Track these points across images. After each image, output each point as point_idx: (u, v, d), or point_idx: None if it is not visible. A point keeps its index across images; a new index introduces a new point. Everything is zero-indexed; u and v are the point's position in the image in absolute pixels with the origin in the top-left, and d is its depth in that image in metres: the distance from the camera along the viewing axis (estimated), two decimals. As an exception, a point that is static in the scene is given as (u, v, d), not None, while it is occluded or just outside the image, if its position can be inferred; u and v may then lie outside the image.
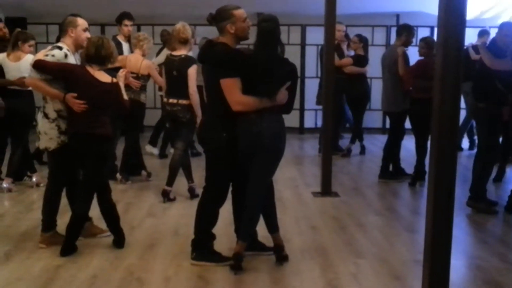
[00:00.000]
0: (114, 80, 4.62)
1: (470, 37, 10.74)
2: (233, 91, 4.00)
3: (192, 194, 6.28)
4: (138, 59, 6.81)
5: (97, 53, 4.51)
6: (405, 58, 7.07)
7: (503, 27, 5.91)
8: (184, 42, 6.07)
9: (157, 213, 5.71)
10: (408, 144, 7.83)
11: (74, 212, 4.58)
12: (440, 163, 3.26)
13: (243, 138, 4.12)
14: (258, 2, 10.42)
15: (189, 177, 6.35)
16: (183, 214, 5.63)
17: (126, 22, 7.24)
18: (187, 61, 5.99)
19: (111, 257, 4.49)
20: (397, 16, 11.39)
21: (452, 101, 3.20)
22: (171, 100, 6.08)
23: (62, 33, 4.69)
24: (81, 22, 4.65)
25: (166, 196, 6.13)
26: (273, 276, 4.13)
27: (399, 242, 4.99)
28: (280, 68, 4.11)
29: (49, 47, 4.64)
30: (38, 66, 4.44)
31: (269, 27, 4.10)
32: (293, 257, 4.40)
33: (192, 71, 5.94)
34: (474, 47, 8.62)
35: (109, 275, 4.13)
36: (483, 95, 5.81)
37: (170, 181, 6.17)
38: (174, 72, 6.03)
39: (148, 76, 6.93)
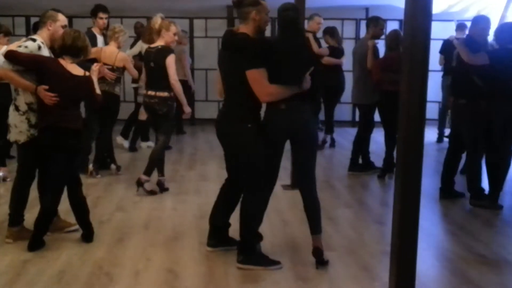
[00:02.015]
0: (87, 73, 4.59)
1: (438, 30, 10.89)
2: (260, 82, 3.92)
3: (161, 187, 6.26)
4: (113, 51, 6.75)
5: (74, 45, 4.47)
6: (375, 51, 7.12)
7: (480, 21, 5.93)
8: (159, 33, 6.05)
9: (127, 207, 5.67)
10: (378, 137, 7.90)
11: (43, 206, 4.52)
12: (407, 155, 3.30)
13: (274, 130, 4.10)
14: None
15: (161, 170, 6.32)
16: (153, 208, 5.61)
17: (101, 14, 7.14)
18: (164, 52, 5.95)
19: (79, 251, 4.45)
20: (366, 9, 11.50)
21: (419, 94, 3.24)
22: (149, 92, 6.05)
23: (40, 25, 4.65)
24: (61, 18, 4.62)
25: (140, 185, 6.07)
26: (243, 270, 4.14)
27: (368, 234, 5.04)
28: (303, 54, 4.10)
29: (23, 39, 4.58)
30: (10, 56, 4.38)
31: (290, 15, 4.09)
32: (263, 250, 4.39)
33: (171, 60, 5.91)
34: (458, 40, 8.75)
35: (78, 270, 4.10)
36: (463, 91, 5.83)
37: (148, 171, 6.11)
38: (151, 63, 6.00)
39: (123, 69, 6.88)
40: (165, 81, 5.91)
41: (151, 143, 8.68)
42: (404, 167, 3.32)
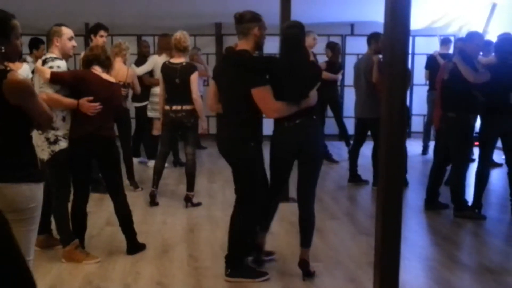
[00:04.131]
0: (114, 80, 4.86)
1: (422, 45, 11.10)
2: (267, 99, 3.99)
3: (152, 200, 6.35)
4: (123, 68, 6.91)
5: (104, 54, 4.72)
6: (380, 65, 7.24)
7: (474, 37, 6.04)
8: (184, 50, 6.27)
9: (116, 222, 5.66)
10: (366, 150, 7.99)
11: (119, 214, 4.81)
12: (389, 167, 3.40)
13: (280, 147, 4.21)
14: (217, 13, 10.55)
15: (156, 183, 6.45)
16: (142, 221, 5.65)
17: (102, 33, 7.15)
18: (190, 68, 6.20)
19: (70, 266, 4.50)
20: (352, 25, 11.66)
21: (399, 107, 3.35)
22: (174, 107, 6.21)
23: (48, 43, 4.72)
24: (66, 31, 4.66)
25: (189, 201, 6.33)
26: (231, 281, 4.21)
27: (354, 245, 5.13)
28: (307, 71, 4.19)
29: (41, 59, 4.64)
30: (56, 79, 4.46)
31: (293, 33, 4.19)
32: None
33: (195, 77, 6.17)
34: (443, 55, 8.86)
35: (68, 285, 4.15)
36: (454, 105, 5.89)
37: (191, 187, 6.38)
38: (177, 79, 6.16)
39: (130, 84, 7.03)
40: (190, 95, 6.14)
41: (143, 159, 8.76)
42: (386, 178, 3.42)
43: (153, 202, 6.35)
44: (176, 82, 6.16)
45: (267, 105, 4.01)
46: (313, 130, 4.20)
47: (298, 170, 4.26)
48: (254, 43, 4.12)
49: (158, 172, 6.46)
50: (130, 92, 7.45)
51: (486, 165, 6.08)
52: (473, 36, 6.09)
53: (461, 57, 5.81)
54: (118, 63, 6.84)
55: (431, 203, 6.23)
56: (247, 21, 4.09)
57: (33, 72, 5.48)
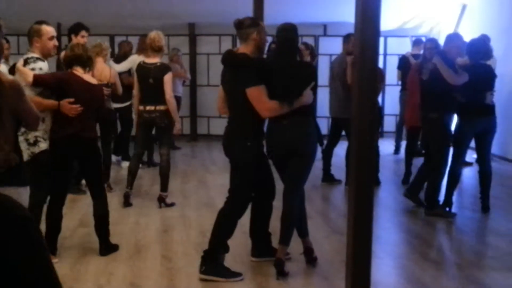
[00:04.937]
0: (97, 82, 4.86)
1: (394, 46, 11.21)
2: (260, 98, 4.08)
3: (126, 201, 6.34)
4: (106, 68, 6.85)
5: (85, 55, 4.66)
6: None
7: (453, 38, 6.12)
8: (158, 50, 6.23)
9: (89, 223, 5.63)
10: (340, 150, 8.05)
11: (98, 214, 4.75)
12: (360, 165, 3.43)
13: (275, 145, 4.28)
14: (191, 13, 10.54)
15: (130, 184, 6.44)
16: (115, 222, 5.60)
17: (84, 33, 7.07)
18: (164, 69, 6.18)
19: (42, 268, 4.46)
20: (325, 26, 11.72)
21: (369, 106, 3.39)
22: (148, 107, 6.18)
23: (28, 42, 4.63)
24: (46, 31, 4.55)
25: (163, 202, 6.32)
26: (205, 281, 4.21)
27: (328, 244, 5.17)
28: (300, 72, 4.29)
29: (23, 59, 4.58)
30: (38, 82, 4.41)
31: (287, 35, 4.28)
32: (225, 262, 4.47)
33: (168, 78, 6.13)
34: (415, 56, 8.91)
35: (40, 286, 4.11)
36: (435, 106, 5.93)
37: (164, 187, 6.36)
38: (151, 79, 6.14)
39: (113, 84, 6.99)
40: (164, 96, 6.11)
41: (121, 159, 8.71)
42: (357, 177, 3.45)
43: (126, 203, 6.32)
44: (150, 82, 6.15)
45: (260, 104, 4.09)
46: (307, 129, 4.31)
47: (288, 167, 4.31)
48: (254, 47, 4.20)
49: (132, 173, 6.44)
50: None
51: (459, 164, 6.17)
52: (452, 38, 6.17)
53: (441, 58, 5.88)
54: (100, 63, 6.80)
55: (413, 196, 6.27)
56: (246, 26, 4.19)
57: (10, 72, 5.34)
